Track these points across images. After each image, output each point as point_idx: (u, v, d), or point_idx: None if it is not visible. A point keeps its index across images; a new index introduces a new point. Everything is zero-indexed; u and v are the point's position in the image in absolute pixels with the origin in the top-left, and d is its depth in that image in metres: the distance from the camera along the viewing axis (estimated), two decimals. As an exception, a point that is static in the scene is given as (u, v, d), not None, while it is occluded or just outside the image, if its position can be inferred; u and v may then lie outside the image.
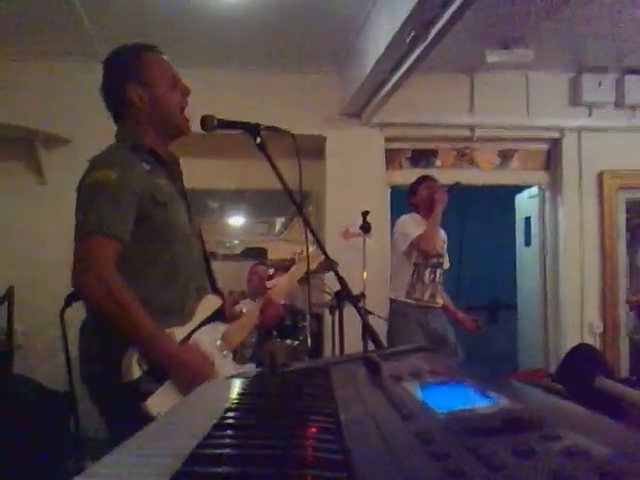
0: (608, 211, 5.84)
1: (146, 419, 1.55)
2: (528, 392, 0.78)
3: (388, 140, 5.79)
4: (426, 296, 4.42)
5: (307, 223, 2.02)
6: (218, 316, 1.97)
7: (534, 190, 6.28)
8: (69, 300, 3.43)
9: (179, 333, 1.81)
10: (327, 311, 4.62)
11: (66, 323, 3.60)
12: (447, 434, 0.59)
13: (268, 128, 2.09)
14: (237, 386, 0.99)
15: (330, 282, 4.39)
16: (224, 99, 5.43)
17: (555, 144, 5.98)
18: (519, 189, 6.51)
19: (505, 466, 0.49)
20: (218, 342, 1.93)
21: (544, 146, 6.07)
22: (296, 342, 4.23)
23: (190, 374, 1.71)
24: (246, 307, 4.61)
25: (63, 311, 3.53)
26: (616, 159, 5.81)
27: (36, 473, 3.49)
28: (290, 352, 4.30)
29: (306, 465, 0.56)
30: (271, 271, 5.14)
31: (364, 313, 1.87)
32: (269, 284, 4.46)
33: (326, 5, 4.38)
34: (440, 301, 4.53)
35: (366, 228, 4.49)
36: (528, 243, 6.45)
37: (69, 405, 3.61)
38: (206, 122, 2.00)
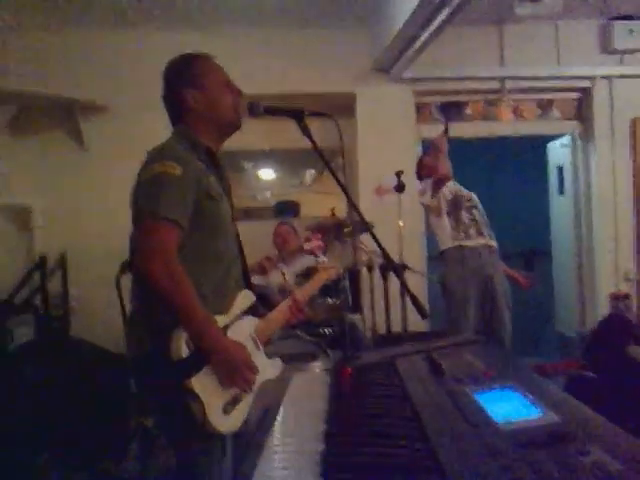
0: (641, 158, 5.84)
1: (188, 397, 1.74)
2: (566, 402, 0.93)
3: (418, 94, 5.83)
4: (472, 233, 4.53)
5: (351, 204, 2.12)
6: (252, 310, 2.10)
7: (566, 139, 6.28)
8: (124, 267, 3.61)
9: (218, 323, 1.95)
10: (365, 269, 4.77)
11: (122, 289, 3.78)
12: (508, 446, 0.75)
13: (311, 113, 2.18)
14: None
15: (367, 241, 4.52)
16: (255, 57, 5.53)
17: (586, 93, 5.97)
18: (551, 138, 6.51)
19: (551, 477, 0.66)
20: (251, 336, 2.05)
21: (575, 95, 6.05)
22: (337, 300, 4.37)
23: (231, 365, 1.86)
24: (283, 269, 4.79)
25: (119, 277, 3.71)
26: (649, 105, 5.78)
27: (99, 432, 3.71)
28: (331, 309, 4.45)
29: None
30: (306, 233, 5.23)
31: (407, 284, 1.97)
32: (306, 246, 4.58)
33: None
34: (492, 242, 4.59)
35: (400, 187, 4.58)
36: (561, 192, 6.48)
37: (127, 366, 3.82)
38: (253, 108, 2.13)
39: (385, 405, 0.94)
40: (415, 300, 2.00)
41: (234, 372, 1.87)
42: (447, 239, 4.57)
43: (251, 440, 1.08)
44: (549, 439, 0.74)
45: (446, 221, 4.58)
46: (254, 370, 1.92)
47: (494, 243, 4.60)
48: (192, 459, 1.93)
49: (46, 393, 3.49)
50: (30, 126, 5.32)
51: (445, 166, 4.58)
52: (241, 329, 2.01)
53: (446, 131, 4.82)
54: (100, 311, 4.83)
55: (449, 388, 0.99)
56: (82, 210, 5.33)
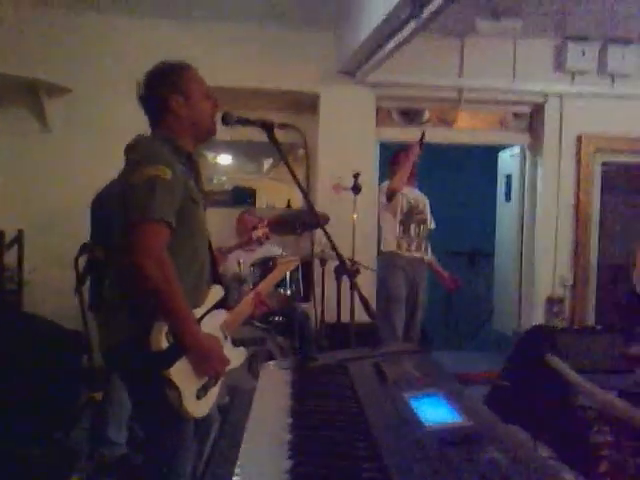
0: (584, 173, 6.19)
1: (166, 385, 1.92)
2: (478, 409, 1.19)
3: (379, 99, 6.07)
4: (413, 247, 4.99)
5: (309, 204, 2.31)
6: (221, 304, 2.28)
7: (516, 149, 6.61)
8: (83, 249, 3.75)
9: (195, 315, 2.13)
10: (318, 262, 4.98)
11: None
12: (431, 443, 1.00)
13: (280, 126, 2.37)
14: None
15: (319, 235, 4.75)
16: (223, 51, 5.68)
17: (538, 108, 6.28)
18: (502, 147, 6.82)
19: (456, 468, 0.90)
20: (221, 327, 2.24)
21: (527, 109, 6.37)
22: (288, 291, 4.57)
23: (206, 358, 2.05)
24: (241, 258, 4.96)
25: (77, 258, 3.84)
26: (595, 124, 6.15)
27: (49, 406, 3.83)
28: (283, 299, 4.66)
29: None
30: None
31: (359, 289, 2.19)
32: (254, 234, 4.81)
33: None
34: (426, 257, 5.09)
35: (357, 189, 4.81)
36: (508, 199, 6.81)
37: (81, 343, 3.96)
38: (227, 118, 2.31)
39: (337, 405, 1.19)
40: (366, 304, 2.24)
41: (208, 364, 2.07)
42: (392, 243, 4.99)
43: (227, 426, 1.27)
44: (461, 439, 1.00)
45: (396, 227, 4.98)
46: (225, 362, 2.13)
47: (427, 257, 5.11)
48: (164, 443, 2.10)
49: (1, 367, 3.60)
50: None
51: (400, 179, 4.88)
52: (212, 321, 2.20)
53: (422, 139, 5.09)
54: (53, 288, 4.93)
55: (390, 392, 1.23)
56: (42, 188, 5.40)
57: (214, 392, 2.15)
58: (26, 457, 3.13)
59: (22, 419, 3.58)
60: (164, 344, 1.97)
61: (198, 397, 2.05)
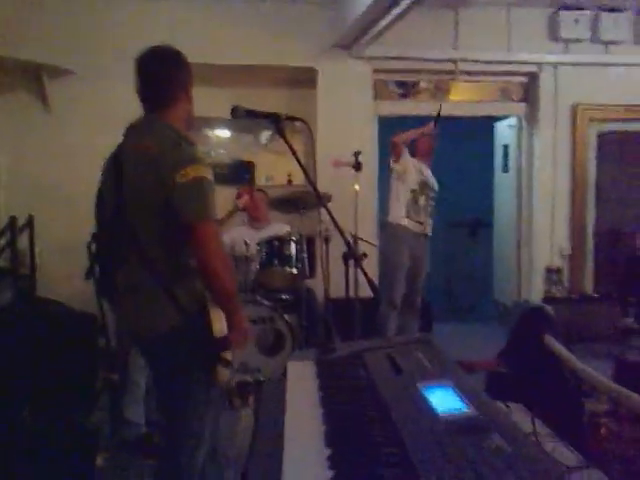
0: (580, 142, 6.27)
1: (223, 365, 2.05)
2: (482, 398, 1.33)
3: (376, 72, 6.11)
4: (419, 219, 5.08)
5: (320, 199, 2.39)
6: None
7: (513, 120, 6.67)
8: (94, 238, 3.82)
9: None
10: (320, 239, 5.07)
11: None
12: (443, 431, 1.16)
13: (287, 118, 2.43)
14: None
15: (323, 212, 4.81)
16: (220, 28, 5.71)
17: (533, 77, 6.34)
18: (499, 118, 6.88)
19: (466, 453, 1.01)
20: None
21: (523, 79, 6.43)
22: (295, 269, 4.67)
23: (245, 333, 2.30)
24: (248, 234, 5.06)
25: (90, 246, 3.90)
26: (589, 93, 6.21)
27: (68, 388, 3.94)
28: (289, 279, 4.77)
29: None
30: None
31: (365, 271, 2.30)
32: (239, 203, 4.97)
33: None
34: (428, 230, 5.19)
35: (358, 166, 4.88)
36: (506, 170, 6.89)
37: (97, 326, 4.06)
38: (236, 112, 2.37)
39: (360, 395, 1.35)
40: (371, 284, 2.35)
41: (245, 339, 2.32)
42: (398, 215, 5.06)
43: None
44: (469, 428, 1.15)
45: (406, 196, 5.05)
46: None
47: (429, 231, 5.21)
48: (205, 420, 2.28)
49: (22, 352, 3.70)
50: (-3, 88, 5.38)
51: (406, 136, 5.08)
52: None
53: (438, 116, 5.18)
54: (65, 272, 5.00)
55: (405, 383, 1.36)
56: (46, 171, 5.45)
57: None
58: (51, 438, 3.24)
59: (42, 401, 3.68)
60: (226, 330, 2.16)
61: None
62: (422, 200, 5.09)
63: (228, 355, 2.15)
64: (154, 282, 2.17)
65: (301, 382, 1.52)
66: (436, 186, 5.25)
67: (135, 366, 3.60)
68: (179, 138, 2.20)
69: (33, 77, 5.43)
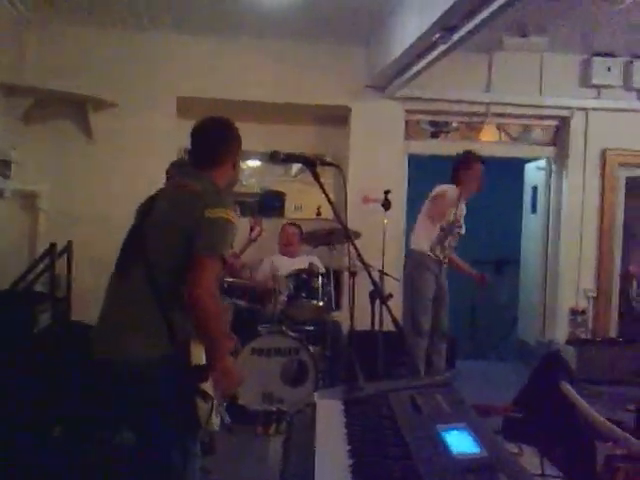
0: (608, 185, 6.34)
1: (201, 397, 2.15)
2: (494, 441, 1.45)
3: (408, 112, 6.27)
4: (442, 256, 5.10)
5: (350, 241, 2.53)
6: None
7: (542, 162, 6.76)
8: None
9: None
10: (347, 273, 5.19)
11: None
12: (456, 470, 1.27)
13: (322, 163, 2.57)
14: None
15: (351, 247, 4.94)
16: (258, 67, 5.94)
17: (564, 122, 6.44)
18: (529, 159, 6.97)
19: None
20: None
21: (553, 123, 6.53)
22: (321, 303, 4.79)
23: (230, 378, 2.34)
24: (279, 261, 5.24)
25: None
26: (620, 139, 6.30)
27: (97, 405, 4.07)
28: (315, 311, 4.89)
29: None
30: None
31: (392, 312, 2.41)
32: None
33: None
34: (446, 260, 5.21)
35: (387, 205, 5.00)
36: (534, 210, 6.97)
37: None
38: (275, 156, 2.52)
39: (383, 433, 1.46)
40: (396, 323, 2.47)
41: (230, 383, 2.39)
42: (425, 245, 5.06)
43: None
44: (480, 468, 1.24)
45: (433, 236, 5.06)
46: (241, 382, 2.50)
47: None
48: (179, 456, 2.31)
49: (56, 372, 3.86)
50: (43, 118, 5.65)
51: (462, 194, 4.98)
52: None
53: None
54: (97, 296, 5.16)
55: (425, 423, 1.47)
56: (87, 197, 5.68)
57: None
58: (81, 456, 3.37)
59: (78, 421, 3.81)
60: (204, 360, 2.27)
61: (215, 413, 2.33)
62: (448, 240, 5.11)
63: (207, 388, 2.24)
64: (156, 305, 2.27)
65: (330, 419, 1.64)
66: (464, 214, 5.23)
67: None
68: (219, 189, 2.45)
69: (78, 109, 5.68)
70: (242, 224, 5.75)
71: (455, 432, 1.43)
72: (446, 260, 5.16)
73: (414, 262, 5.16)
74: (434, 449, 1.36)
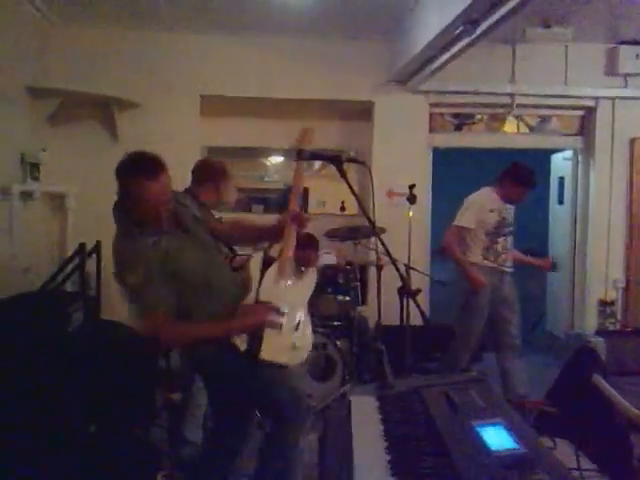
0: (637, 175, 6.26)
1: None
2: (531, 436, 1.48)
3: (432, 105, 6.25)
4: (499, 261, 4.81)
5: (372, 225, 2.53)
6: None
7: (569, 153, 6.69)
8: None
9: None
10: (373, 268, 5.20)
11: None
12: (496, 467, 1.29)
13: (348, 160, 2.58)
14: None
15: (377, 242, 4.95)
16: (281, 64, 5.96)
17: (590, 111, 6.38)
18: (555, 150, 6.91)
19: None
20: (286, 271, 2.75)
21: (580, 113, 6.47)
22: (347, 298, 4.81)
23: (253, 322, 2.58)
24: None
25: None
26: (647, 127, 6.20)
27: (130, 403, 4.14)
28: (341, 306, 4.90)
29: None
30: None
31: (420, 306, 2.42)
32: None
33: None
34: (510, 266, 4.89)
35: (412, 199, 4.99)
36: (561, 201, 6.90)
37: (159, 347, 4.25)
38: (301, 154, 2.53)
39: (420, 430, 1.47)
40: (425, 319, 2.50)
41: (258, 323, 2.58)
42: (477, 254, 4.80)
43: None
44: (519, 464, 1.24)
45: (482, 241, 4.79)
46: (268, 309, 2.61)
47: (508, 266, 4.88)
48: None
49: (89, 371, 3.91)
50: (69, 119, 5.72)
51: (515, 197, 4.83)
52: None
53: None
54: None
55: (460, 420, 1.47)
56: (113, 198, 5.71)
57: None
58: (116, 453, 3.42)
59: (106, 418, 3.87)
60: (243, 346, 2.56)
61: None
62: (500, 241, 4.81)
63: (263, 356, 2.60)
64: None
65: (365, 416, 1.66)
66: (513, 211, 4.93)
67: (198, 386, 3.75)
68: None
69: (103, 110, 5.74)
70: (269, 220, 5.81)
71: (491, 428, 1.43)
72: (507, 266, 4.86)
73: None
74: (472, 446, 1.37)
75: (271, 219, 5.09)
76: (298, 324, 2.73)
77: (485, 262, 4.78)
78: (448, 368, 4.82)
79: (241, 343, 2.53)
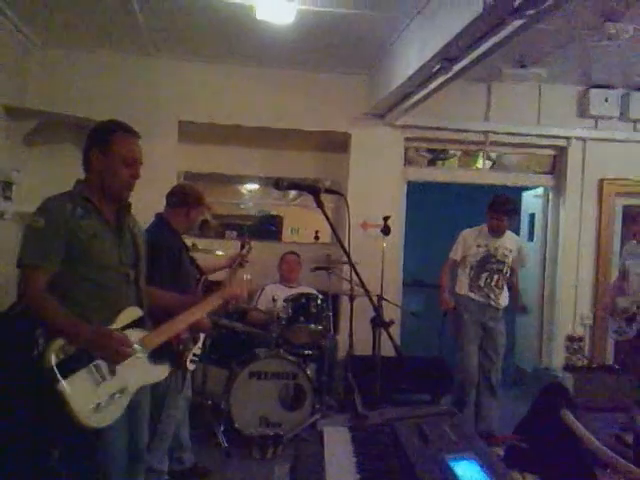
0: (605, 215, 6.41)
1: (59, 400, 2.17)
2: (500, 469, 1.49)
3: (407, 140, 6.34)
4: (482, 294, 4.98)
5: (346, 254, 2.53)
6: (139, 324, 2.48)
7: (540, 190, 6.83)
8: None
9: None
10: (345, 298, 5.23)
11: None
12: None
13: (326, 190, 2.56)
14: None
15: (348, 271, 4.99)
16: (261, 94, 6.02)
17: (562, 151, 6.52)
18: (526, 187, 7.04)
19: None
20: (138, 342, 2.44)
21: (551, 152, 6.61)
22: (319, 327, 4.81)
23: (101, 342, 2.26)
24: (278, 291, 5.22)
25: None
26: (616, 168, 6.38)
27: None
28: (313, 335, 4.90)
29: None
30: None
31: (392, 337, 2.43)
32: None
33: (363, 20, 4.73)
34: (501, 302, 5.02)
35: (387, 231, 5.05)
36: (531, 238, 7.01)
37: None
38: (279, 183, 2.48)
39: (391, 462, 1.48)
40: (398, 351, 2.50)
41: (106, 348, 2.27)
42: (464, 286, 5.04)
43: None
44: None
45: (467, 273, 5.03)
46: (124, 341, 2.31)
47: (501, 303, 5.03)
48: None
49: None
50: (45, 140, 5.69)
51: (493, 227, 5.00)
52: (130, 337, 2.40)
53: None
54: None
55: (432, 453, 1.49)
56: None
57: (120, 403, 2.33)
58: None
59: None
60: (53, 361, 2.17)
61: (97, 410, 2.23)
62: (483, 276, 4.99)
63: (64, 388, 2.18)
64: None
65: (337, 447, 1.66)
66: (512, 249, 5.05)
67: (164, 415, 3.69)
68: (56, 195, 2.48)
69: (80, 132, 5.65)
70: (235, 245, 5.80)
71: (464, 462, 1.45)
72: (497, 301, 4.99)
73: (457, 303, 5.04)
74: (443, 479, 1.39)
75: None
76: (116, 394, 2.31)
77: (470, 294, 4.98)
78: (457, 405, 4.92)
79: (52, 354, 2.17)
